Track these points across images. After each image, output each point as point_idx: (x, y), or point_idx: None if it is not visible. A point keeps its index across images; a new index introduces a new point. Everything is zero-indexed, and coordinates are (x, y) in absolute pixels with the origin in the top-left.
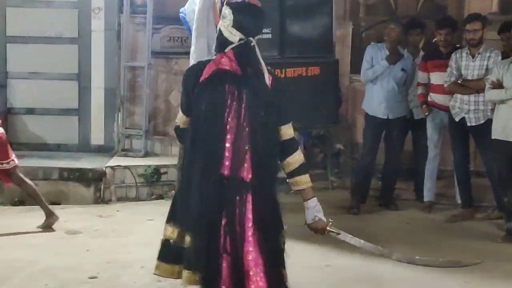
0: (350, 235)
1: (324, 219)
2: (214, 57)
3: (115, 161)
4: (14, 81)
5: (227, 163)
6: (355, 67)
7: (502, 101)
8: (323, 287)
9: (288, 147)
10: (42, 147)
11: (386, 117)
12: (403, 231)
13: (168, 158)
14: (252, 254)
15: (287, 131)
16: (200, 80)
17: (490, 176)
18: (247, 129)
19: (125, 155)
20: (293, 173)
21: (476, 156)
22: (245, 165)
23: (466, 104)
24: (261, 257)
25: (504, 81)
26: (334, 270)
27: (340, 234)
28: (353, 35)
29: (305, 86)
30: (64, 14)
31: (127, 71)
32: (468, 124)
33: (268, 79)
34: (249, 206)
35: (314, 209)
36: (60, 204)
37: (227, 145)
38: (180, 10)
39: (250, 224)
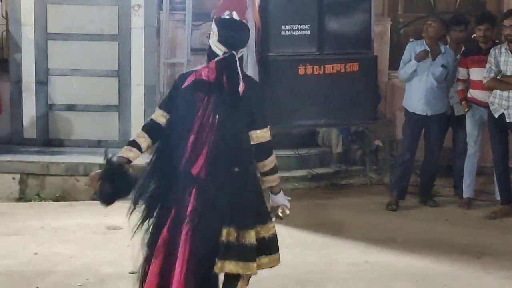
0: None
1: (288, 205)
2: (198, 68)
3: None
4: (55, 78)
5: (185, 159)
6: (394, 64)
7: None
8: (362, 282)
9: (264, 150)
10: (83, 143)
11: (425, 114)
12: (440, 226)
13: None
14: (181, 250)
15: (263, 135)
16: (182, 87)
17: None
18: (207, 129)
19: None
20: (267, 173)
21: None
22: (199, 162)
23: (506, 100)
24: (187, 255)
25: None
26: (372, 266)
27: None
28: (391, 32)
29: (344, 83)
30: (104, 11)
31: (167, 68)
32: (507, 120)
33: (241, 87)
34: (192, 201)
35: (282, 198)
36: None
37: (189, 144)
38: None
39: (187, 220)
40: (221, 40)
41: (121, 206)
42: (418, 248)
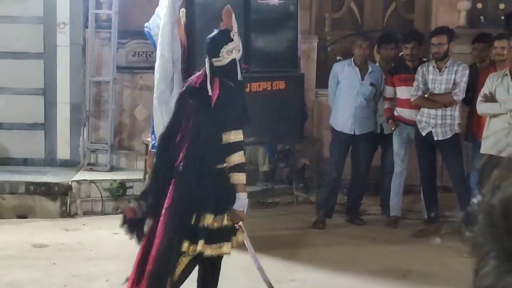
0: (249, 243)
1: (243, 213)
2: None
3: (81, 175)
4: None
5: (173, 156)
6: (321, 82)
7: (495, 115)
8: None
9: (231, 148)
10: (8, 162)
11: (353, 133)
12: (367, 245)
13: (134, 173)
14: (157, 233)
15: (230, 136)
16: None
17: (456, 190)
18: (188, 129)
19: (91, 170)
20: (231, 170)
21: (443, 171)
22: (180, 157)
23: (433, 118)
24: (158, 241)
25: (497, 95)
26: (298, 284)
27: (244, 234)
28: (318, 49)
29: (270, 101)
30: (30, 29)
31: (93, 86)
32: (435, 139)
33: (211, 92)
34: (171, 190)
35: (243, 201)
36: (26, 218)
37: (176, 142)
38: (145, 25)
39: (166, 206)
40: None
41: (46, 225)
42: (345, 267)
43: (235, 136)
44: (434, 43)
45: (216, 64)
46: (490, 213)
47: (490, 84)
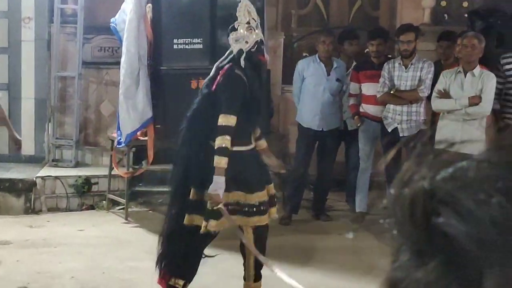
0: (232, 219)
1: (221, 196)
2: None
3: (45, 171)
4: None
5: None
6: (287, 78)
7: (450, 112)
8: None
9: (218, 131)
10: None
11: (320, 129)
12: (334, 240)
13: (99, 169)
14: None
15: (221, 119)
16: None
17: None
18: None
19: (56, 166)
20: (214, 151)
21: None
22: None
23: (399, 114)
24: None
25: (452, 91)
26: (265, 279)
27: (225, 215)
28: (285, 46)
29: None
30: None
31: (58, 81)
32: (401, 135)
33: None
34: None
35: (217, 184)
36: None
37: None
38: (111, 20)
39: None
40: None
41: (10, 222)
42: (311, 262)
43: (224, 119)
44: (403, 40)
45: (231, 51)
46: (399, 207)
47: (444, 81)
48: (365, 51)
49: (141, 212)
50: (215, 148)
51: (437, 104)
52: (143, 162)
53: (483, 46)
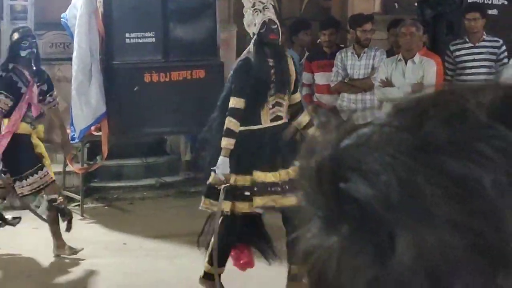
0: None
1: (221, 177)
2: None
3: None
4: None
5: None
6: None
7: (394, 100)
8: None
9: (227, 112)
10: None
11: None
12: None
13: (53, 165)
14: None
15: (229, 102)
16: None
17: None
18: None
19: None
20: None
21: None
22: None
23: (353, 103)
24: None
25: (394, 79)
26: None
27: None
28: (238, 38)
29: (190, 90)
30: None
31: None
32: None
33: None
34: None
35: (221, 165)
36: None
37: None
38: (62, 16)
39: None
40: None
41: None
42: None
43: (232, 101)
44: (366, 29)
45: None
46: (306, 177)
47: (386, 69)
48: (317, 41)
49: (97, 208)
50: (224, 128)
51: (381, 93)
52: (98, 158)
53: (421, 33)
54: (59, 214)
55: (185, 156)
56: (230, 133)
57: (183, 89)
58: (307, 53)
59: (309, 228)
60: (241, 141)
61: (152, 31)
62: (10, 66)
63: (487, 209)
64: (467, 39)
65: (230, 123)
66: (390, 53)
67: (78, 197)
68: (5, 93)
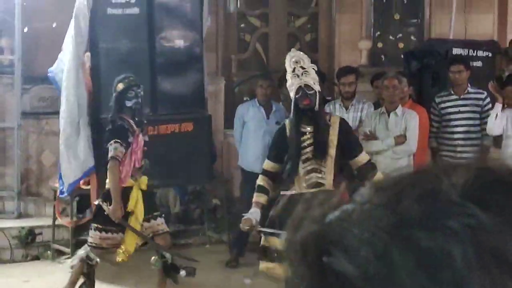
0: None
1: (252, 221)
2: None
3: None
4: None
5: None
6: (229, 122)
7: (378, 153)
8: None
9: None
10: None
11: None
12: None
13: (43, 219)
14: None
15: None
16: None
17: None
18: None
19: None
20: None
21: None
22: None
23: None
24: None
25: (378, 132)
26: None
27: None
28: (226, 91)
29: (179, 142)
30: None
31: None
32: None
33: None
34: None
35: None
36: None
37: None
38: (49, 70)
39: None
40: None
41: None
42: None
43: (265, 164)
44: (345, 82)
45: None
46: (292, 250)
47: (370, 122)
48: None
49: None
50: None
51: (365, 146)
52: (87, 211)
53: (404, 86)
54: None
55: (174, 209)
56: (257, 188)
57: (171, 142)
58: None
59: None
60: (276, 205)
61: (140, 84)
62: (118, 116)
63: (455, 280)
64: (452, 91)
65: (259, 179)
66: (377, 106)
67: (68, 250)
68: (120, 141)
